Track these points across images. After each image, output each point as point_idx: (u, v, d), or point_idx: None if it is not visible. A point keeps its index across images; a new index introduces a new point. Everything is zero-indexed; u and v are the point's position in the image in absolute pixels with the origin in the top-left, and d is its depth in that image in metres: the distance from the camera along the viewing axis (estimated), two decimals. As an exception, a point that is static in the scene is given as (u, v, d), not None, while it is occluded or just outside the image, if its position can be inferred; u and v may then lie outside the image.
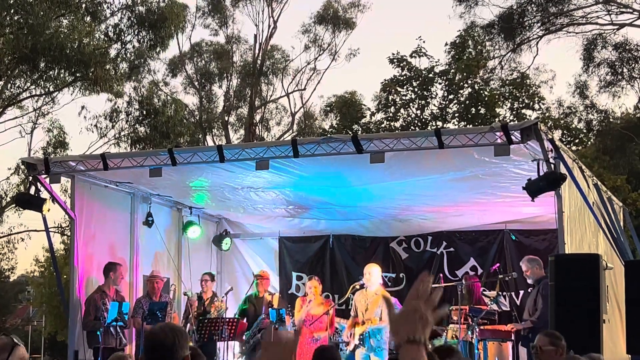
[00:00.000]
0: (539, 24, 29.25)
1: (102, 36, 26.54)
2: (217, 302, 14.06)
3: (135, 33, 27.54)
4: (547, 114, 31.86)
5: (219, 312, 13.79)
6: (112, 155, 12.31)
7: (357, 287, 13.27)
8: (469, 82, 33.46)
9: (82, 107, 39.71)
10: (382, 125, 33.12)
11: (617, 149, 27.84)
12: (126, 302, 12.68)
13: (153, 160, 11.94)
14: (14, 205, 27.36)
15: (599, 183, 13.10)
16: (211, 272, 14.86)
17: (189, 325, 13.62)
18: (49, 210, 12.32)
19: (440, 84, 34.02)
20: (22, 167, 19.77)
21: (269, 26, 39.07)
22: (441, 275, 15.12)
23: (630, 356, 9.43)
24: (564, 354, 6.57)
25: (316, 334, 13.32)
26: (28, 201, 12.11)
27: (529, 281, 12.33)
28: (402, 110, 34.12)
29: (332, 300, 15.31)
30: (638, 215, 27.19)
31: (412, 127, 31.82)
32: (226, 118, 39.19)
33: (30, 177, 12.23)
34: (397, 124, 33.06)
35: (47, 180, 12.19)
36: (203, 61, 38.97)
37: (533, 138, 9.79)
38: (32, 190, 12.10)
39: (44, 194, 12.17)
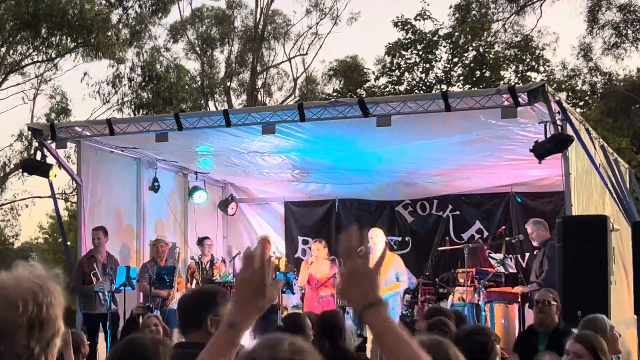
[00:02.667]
0: (543, -14, 29.17)
1: (104, 1, 26.47)
2: (217, 263, 14.15)
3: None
4: (551, 77, 31.83)
5: (222, 275, 13.87)
6: (118, 120, 12.33)
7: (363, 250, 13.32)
8: (474, 45, 33.37)
9: (85, 74, 39.69)
10: (387, 90, 33.04)
11: (621, 111, 27.84)
12: (134, 266, 12.75)
13: (159, 125, 11.95)
14: (17, 172, 27.43)
15: (606, 145, 13.10)
16: (206, 236, 14.82)
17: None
18: (55, 175, 12.33)
19: (444, 47, 33.91)
20: (26, 133, 19.81)
21: (271, -10, 39.01)
22: (447, 238, 15.20)
23: (637, 316, 9.49)
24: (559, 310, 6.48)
25: (322, 291, 13.41)
26: (35, 167, 12.14)
27: (535, 243, 12.37)
28: (406, 74, 34.07)
29: (338, 263, 15.44)
30: (644, 177, 27.28)
31: (416, 91, 31.72)
32: (228, 83, 39.12)
33: (37, 143, 12.26)
34: (402, 88, 32.97)
35: (53, 145, 12.24)
36: (204, 26, 38.84)
37: (540, 100, 9.80)
38: (39, 156, 12.13)
39: (50, 160, 12.20)
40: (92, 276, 12.33)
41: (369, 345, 12.59)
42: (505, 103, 10.04)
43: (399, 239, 15.60)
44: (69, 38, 25.16)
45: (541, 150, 9.85)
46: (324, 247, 14.09)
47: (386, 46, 34.12)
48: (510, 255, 13.93)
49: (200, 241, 14.40)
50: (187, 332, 4.82)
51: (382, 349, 2.45)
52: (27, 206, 35.14)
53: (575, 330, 6.78)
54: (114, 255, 12.91)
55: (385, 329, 2.43)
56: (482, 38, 33.18)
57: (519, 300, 12.37)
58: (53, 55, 27.14)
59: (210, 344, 2.78)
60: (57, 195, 13.03)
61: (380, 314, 2.47)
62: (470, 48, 33.47)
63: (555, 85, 28.92)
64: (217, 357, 2.72)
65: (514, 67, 33.35)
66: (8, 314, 2.17)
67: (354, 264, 2.60)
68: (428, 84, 32.98)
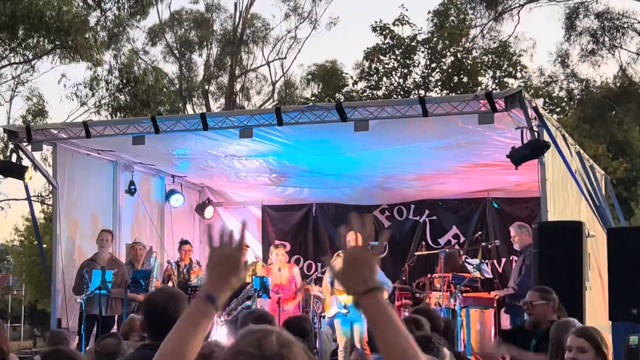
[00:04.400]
0: (520, -7, 29.31)
1: (81, 3, 26.39)
2: (195, 269, 14.12)
3: (115, 1, 27.45)
4: (528, 83, 31.99)
5: (198, 279, 13.85)
6: (95, 123, 12.27)
7: (340, 254, 13.33)
8: (452, 50, 33.53)
9: (62, 76, 39.38)
10: (365, 94, 33.17)
11: (597, 117, 28.01)
12: (109, 269, 12.69)
13: (136, 128, 11.92)
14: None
15: (582, 151, 13.17)
16: (187, 240, 14.79)
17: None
18: (31, 178, 12.30)
19: (422, 52, 34.09)
20: (1, 135, 19.68)
21: (250, -6, 39.04)
22: (424, 243, 15.25)
23: (611, 322, 9.51)
24: (555, 307, 6.68)
25: (285, 305, 13.31)
26: (10, 169, 12.07)
27: (516, 247, 12.33)
28: (384, 79, 34.17)
29: (310, 267, 15.53)
30: (619, 184, 27.37)
31: (394, 96, 31.87)
32: (206, 87, 39.14)
33: (12, 145, 12.19)
34: (380, 93, 33.11)
35: (29, 148, 12.17)
36: (183, 29, 38.87)
37: (517, 106, 9.83)
38: (14, 158, 12.06)
39: (26, 162, 12.14)
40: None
41: (340, 352, 12.63)
42: (483, 109, 10.06)
43: (376, 243, 15.55)
44: (46, 40, 25.05)
45: (518, 156, 9.88)
46: (279, 250, 14.15)
47: (364, 51, 34.31)
48: (487, 261, 13.99)
49: (181, 245, 14.37)
50: (157, 336, 4.82)
51: (377, 336, 2.42)
52: (2, 208, 35.00)
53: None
54: (118, 260, 12.88)
55: (381, 314, 2.43)
56: (460, 44, 33.34)
57: (495, 305, 12.42)
58: (30, 57, 27.04)
59: (184, 316, 2.80)
60: (32, 198, 12.99)
61: (378, 300, 2.47)
62: (448, 54, 33.64)
63: (532, 91, 29.04)
64: (193, 329, 2.74)
65: (491, 73, 33.53)
66: None
67: (355, 250, 2.65)
68: (406, 89, 33.11)
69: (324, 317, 13.01)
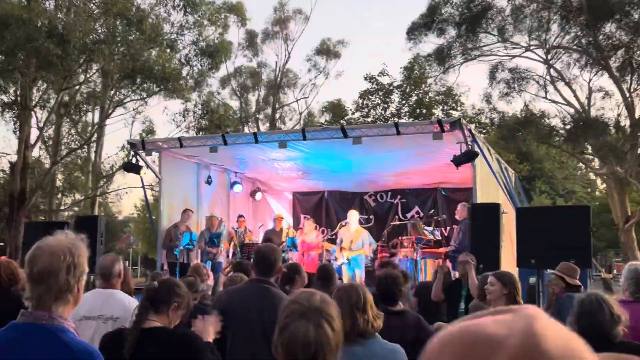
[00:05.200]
0: (460, 55, 29.12)
1: (177, 62, 26.38)
2: (247, 233, 14.14)
3: (199, 60, 27.39)
4: (465, 114, 31.88)
5: (250, 240, 13.89)
6: (185, 138, 12.25)
7: (343, 224, 13.39)
8: (416, 92, 33.49)
9: (165, 108, 39.24)
10: (359, 120, 33.16)
11: (509, 136, 27.84)
12: (194, 232, 12.71)
13: (212, 141, 11.99)
14: (120, 171, 27.36)
15: (499, 158, 13.12)
16: (242, 214, 14.79)
17: (232, 247, 13.75)
18: (144, 173, 12.33)
19: (397, 93, 34.07)
20: (126, 146, 19.72)
21: (285, 56, 38.76)
22: (396, 217, 15.25)
23: (518, 269, 9.47)
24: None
25: (312, 252, 13.42)
26: (132, 167, 12.09)
27: (457, 217, 12.17)
28: (372, 111, 34.19)
29: (325, 231, 15.50)
30: (523, 180, 27.29)
31: (378, 121, 31.85)
32: (257, 116, 39.01)
33: (133, 152, 12.23)
34: (369, 119, 33.12)
35: (144, 154, 12.21)
36: (242, 78, 38.70)
37: (457, 128, 9.79)
38: (134, 160, 12.11)
39: (141, 163, 12.18)
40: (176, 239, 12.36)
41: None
42: (435, 130, 10.01)
43: (366, 217, 15.61)
44: (154, 85, 25.05)
45: (458, 161, 9.84)
46: (312, 222, 14.30)
47: (359, 92, 34.42)
48: (437, 228, 13.96)
49: (238, 218, 14.41)
50: (263, 273, 4.82)
51: None
52: (126, 193, 35.33)
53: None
54: (190, 227, 12.90)
55: None
56: (421, 88, 33.27)
57: (443, 256, 12.40)
58: (144, 96, 27.04)
59: None
60: (145, 186, 12.98)
61: None
62: (413, 94, 33.59)
63: (467, 119, 28.92)
64: None
65: (441, 107, 33.41)
66: (55, 261, 2.30)
67: None
68: (386, 117, 33.09)
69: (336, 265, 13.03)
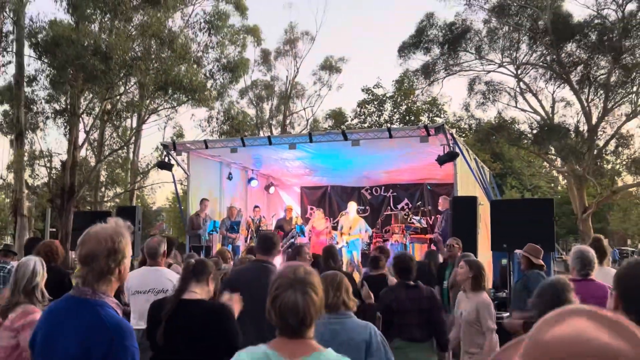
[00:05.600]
0: (443, 70, 29.01)
1: (203, 76, 26.32)
2: (263, 220, 14.13)
3: (221, 74, 27.33)
4: (447, 120, 31.79)
5: (265, 226, 13.87)
6: (210, 140, 12.24)
7: (343, 214, 13.35)
8: (405, 102, 33.39)
9: (192, 115, 39.11)
10: (357, 126, 33.08)
11: (485, 140, 27.75)
12: (217, 220, 12.71)
13: (232, 143, 11.95)
14: (155, 168, 27.38)
15: (477, 158, 13.08)
16: (258, 205, 14.77)
17: (250, 233, 13.73)
18: (175, 170, 12.34)
19: (389, 103, 33.98)
20: (161, 147, 19.72)
21: (294, 71, 38.77)
22: (389, 207, 15.21)
23: (492, 252, 9.45)
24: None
25: (320, 237, 13.40)
26: (165, 165, 12.07)
27: (440, 208, 12.15)
28: (368, 118, 34.11)
29: (329, 220, 15.47)
30: (496, 176, 27.20)
31: (374, 127, 31.78)
32: (270, 122, 38.94)
33: (165, 152, 12.23)
34: (366, 125, 33.03)
35: (175, 154, 12.20)
36: (258, 90, 38.62)
37: (441, 132, 9.77)
38: (166, 160, 12.10)
39: (172, 162, 12.18)
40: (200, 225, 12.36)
41: (345, 266, 12.63)
42: (422, 134, 10.00)
43: (362, 208, 15.56)
44: (183, 95, 25.03)
45: (441, 160, 9.82)
46: (321, 212, 14.18)
47: (357, 102, 34.38)
48: (423, 218, 13.93)
49: (254, 208, 14.40)
50: (264, 254, 4.82)
51: None
52: (160, 187, 35.33)
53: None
54: (209, 215, 12.92)
55: None
56: (410, 98, 33.17)
57: (428, 241, 12.38)
58: (174, 105, 27.04)
59: None
60: (176, 181, 12.96)
61: None
62: (403, 104, 33.47)
63: (449, 124, 28.84)
64: None
65: (427, 115, 33.31)
66: (97, 246, 2.28)
67: None
68: (380, 123, 32.99)
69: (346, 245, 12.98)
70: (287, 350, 2.13)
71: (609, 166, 27.56)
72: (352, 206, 13.21)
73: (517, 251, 6.95)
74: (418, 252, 12.19)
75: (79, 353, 2.20)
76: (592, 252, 4.60)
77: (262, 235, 5.04)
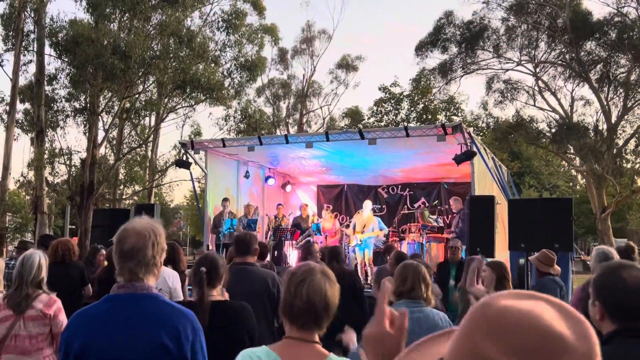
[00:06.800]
0: (461, 69, 28.84)
1: (220, 74, 26.40)
2: (285, 219, 14.16)
3: (239, 73, 27.38)
4: (465, 119, 31.61)
5: (285, 224, 13.90)
6: (227, 139, 12.30)
7: (359, 212, 13.35)
8: (422, 100, 33.22)
9: (210, 113, 39.32)
10: (374, 125, 33.02)
11: (502, 138, 27.55)
12: (235, 219, 12.77)
13: (249, 141, 12.01)
14: (173, 166, 27.57)
15: (494, 157, 13.00)
16: (281, 203, 14.85)
17: (269, 231, 13.77)
18: (193, 168, 12.45)
19: (406, 101, 33.83)
20: (179, 145, 19.84)
21: (311, 69, 38.81)
22: (405, 206, 15.17)
23: (510, 251, 9.40)
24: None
25: (329, 239, 13.40)
26: (183, 164, 12.17)
27: (453, 209, 12.23)
28: (385, 116, 33.99)
29: (345, 218, 15.44)
30: (514, 175, 27.01)
31: (391, 125, 31.68)
32: (287, 120, 39.01)
33: (183, 151, 12.31)
34: (382, 124, 32.94)
35: (192, 152, 12.28)
36: (275, 88, 38.72)
37: (458, 131, 9.73)
38: (184, 158, 12.18)
39: (190, 160, 12.26)
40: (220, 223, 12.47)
41: (358, 265, 12.61)
42: (439, 133, 9.96)
43: (379, 206, 15.55)
44: (201, 94, 25.13)
45: (458, 159, 9.78)
46: (329, 212, 14.32)
47: (374, 101, 34.24)
48: (440, 216, 13.88)
49: (277, 205, 14.45)
50: (241, 256, 4.86)
51: None
52: (177, 185, 35.62)
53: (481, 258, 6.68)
54: (232, 213, 12.96)
55: None
56: (427, 97, 33.01)
57: (444, 241, 12.33)
58: (193, 103, 27.15)
59: None
60: (194, 179, 13.06)
61: None
62: (420, 102, 33.31)
63: (467, 123, 28.64)
64: None
65: (444, 113, 33.14)
66: (142, 240, 2.34)
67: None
68: (397, 122, 32.88)
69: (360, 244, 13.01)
70: (293, 356, 2.10)
71: (629, 165, 27.20)
72: (368, 205, 13.21)
73: (530, 258, 6.90)
74: (435, 251, 12.15)
75: (169, 345, 2.26)
76: (614, 253, 4.54)
77: (236, 238, 5.10)
